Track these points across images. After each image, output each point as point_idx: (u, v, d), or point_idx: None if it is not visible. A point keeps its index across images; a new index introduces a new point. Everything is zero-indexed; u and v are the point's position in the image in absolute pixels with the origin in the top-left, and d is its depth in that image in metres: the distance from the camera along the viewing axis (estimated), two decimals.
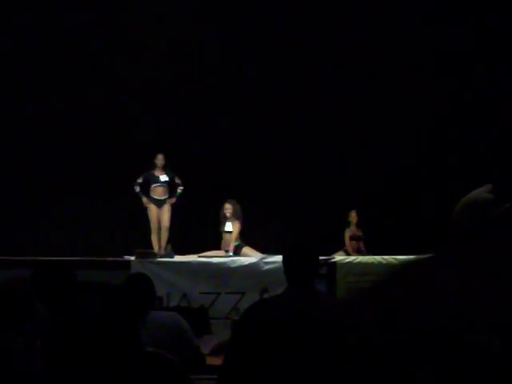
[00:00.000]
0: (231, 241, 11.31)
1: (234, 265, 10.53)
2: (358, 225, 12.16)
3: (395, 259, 10.32)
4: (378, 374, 0.52)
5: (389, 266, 10.24)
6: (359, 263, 10.70)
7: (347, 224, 12.17)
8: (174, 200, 11.77)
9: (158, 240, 11.78)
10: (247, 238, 11.86)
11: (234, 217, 11.31)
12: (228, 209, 11.34)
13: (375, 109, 12.88)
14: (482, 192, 2.37)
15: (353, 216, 12.16)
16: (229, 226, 11.36)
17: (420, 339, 0.53)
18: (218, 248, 11.43)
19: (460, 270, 0.54)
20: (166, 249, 11.40)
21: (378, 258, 10.70)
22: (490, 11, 12.50)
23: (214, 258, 10.94)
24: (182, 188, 11.71)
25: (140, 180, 11.74)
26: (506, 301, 0.52)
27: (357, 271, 10.44)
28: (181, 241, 11.98)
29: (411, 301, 0.55)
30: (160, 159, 11.73)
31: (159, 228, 11.75)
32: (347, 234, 12.11)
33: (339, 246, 11.94)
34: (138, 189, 11.72)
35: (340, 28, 12.96)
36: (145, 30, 12.98)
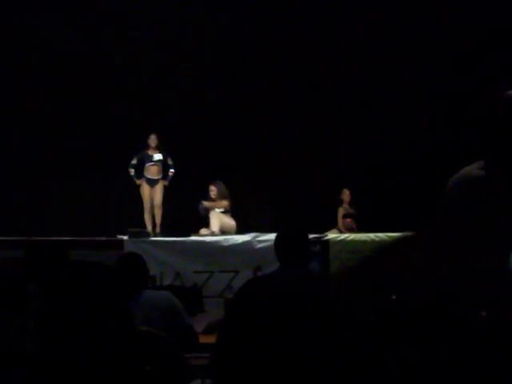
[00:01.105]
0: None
1: (227, 243, 10.53)
2: (350, 203, 12.19)
3: (388, 236, 10.34)
4: (366, 347, 0.52)
5: (381, 243, 10.26)
6: (352, 241, 10.71)
7: (340, 202, 12.19)
8: (166, 182, 11.82)
9: (152, 219, 11.82)
10: (240, 217, 11.87)
11: (220, 198, 11.35)
12: (212, 190, 11.40)
13: (369, 88, 12.85)
14: (473, 169, 2.37)
15: (346, 194, 12.18)
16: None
17: (409, 312, 0.53)
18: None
19: (447, 247, 0.54)
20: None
21: (371, 235, 10.71)
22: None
23: (207, 236, 10.96)
24: (172, 171, 11.76)
25: (134, 161, 11.77)
26: (490, 276, 0.53)
27: (350, 249, 10.45)
28: (172, 221, 11.99)
29: (398, 276, 0.55)
30: (153, 139, 11.75)
31: (152, 207, 11.80)
32: (340, 212, 12.13)
33: (333, 225, 11.97)
34: (132, 172, 11.77)
35: (332, 20, 12.92)
36: (133, 12, 12.91)
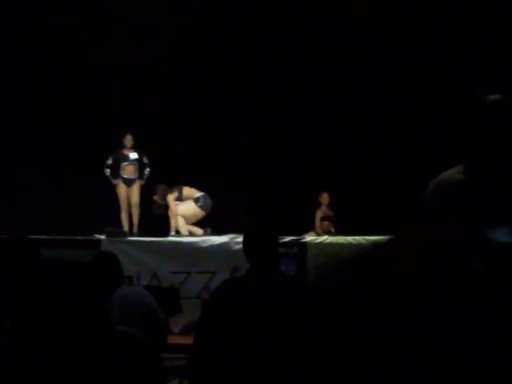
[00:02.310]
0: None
1: (205, 244, 10.52)
2: (329, 206, 12.21)
3: (366, 240, 10.37)
4: (340, 344, 0.52)
5: (359, 246, 10.26)
6: (330, 243, 10.73)
7: (318, 205, 12.21)
8: (142, 182, 11.80)
9: (129, 218, 11.79)
10: (218, 218, 11.85)
11: (165, 197, 11.43)
12: (157, 196, 11.52)
13: (347, 90, 12.88)
14: (452, 173, 2.38)
15: (324, 197, 12.20)
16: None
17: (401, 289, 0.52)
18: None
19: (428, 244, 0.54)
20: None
21: (348, 238, 10.73)
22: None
23: (185, 237, 10.95)
24: (148, 170, 11.74)
25: (109, 161, 11.74)
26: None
27: (328, 251, 10.46)
28: (150, 221, 11.95)
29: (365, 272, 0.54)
30: (128, 139, 11.72)
31: (129, 206, 11.77)
32: (318, 214, 12.15)
33: (310, 227, 11.98)
34: (108, 172, 11.73)
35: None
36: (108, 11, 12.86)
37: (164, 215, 11.49)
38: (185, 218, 11.35)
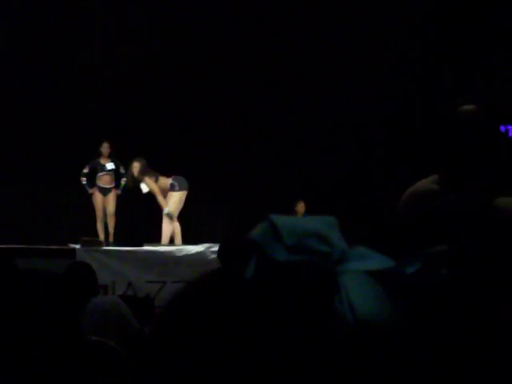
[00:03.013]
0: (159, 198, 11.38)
1: (180, 254, 10.50)
2: (305, 214, 12.22)
3: None
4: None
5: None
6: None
7: (294, 213, 12.21)
8: (119, 191, 11.77)
9: (105, 228, 11.75)
10: (194, 227, 11.83)
11: (143, 175, 11.31)
12: (135, 167, 11.35)
13: (325, 98, 12.92)
14: (427, 183, 2.39)
15: (301, 206, 12.22)
16: (145, 188, 11.40)
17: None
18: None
19: None
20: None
21: None
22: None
23: (160, 246, 10.93)
24: (125, 180, 11.71)
25: (86, 170, 11.70)
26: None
27: None
28: (125, 231, 11.91)
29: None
30: (105, 147, 11.69)
31: (105, 216, 11.73)
32: None
33: None
34: (84, 181, 11.69)
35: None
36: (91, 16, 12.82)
37: (135, 190, 11.46)
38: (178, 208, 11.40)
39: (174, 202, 11.37)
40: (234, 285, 0.60)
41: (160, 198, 11.34)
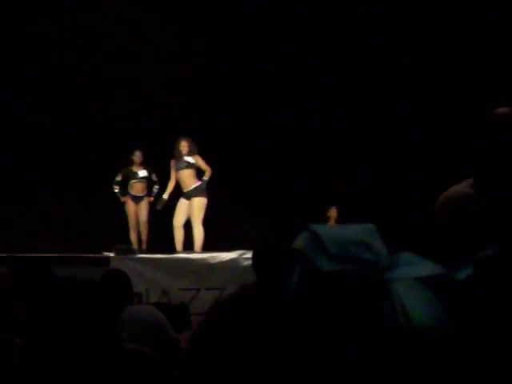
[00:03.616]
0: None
1: (214, 261, 10.52)
2: (337, 221, 12.19)
3: None
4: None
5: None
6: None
7: (327, 219, 12.19)
8: (151, 199, 11.81)
9: (138, 236, 11.80)
10: (227, 234, 11.84)
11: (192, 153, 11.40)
12: (184, 146, 11.34)
13: (360, 102, 12.87)
14: (462, 187, 2.37)
15: (333, 211, 12.19)
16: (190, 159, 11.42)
17: None
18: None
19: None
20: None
21: None
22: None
23: (194, 254, 10.96)
24: (157, 187, 11.75)
25: (119, 178, 11.77)
26: None
27: None
28: (158, 238, 11.96)
29: None
30: (137, 155, 11.75)
31: (138, 224, 11.78)
32: None
33: None
34: (117, 189, 11.75)
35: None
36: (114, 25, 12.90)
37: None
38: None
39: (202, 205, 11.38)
40: (276, 297, 0.60)
41: (185, 182, 11.33)
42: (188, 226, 11.62)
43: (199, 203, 11.37)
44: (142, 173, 11.73)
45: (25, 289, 3.02)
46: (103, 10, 12.84)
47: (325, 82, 12.96)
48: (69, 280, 2.02)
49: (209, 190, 11.78)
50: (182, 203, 11.43)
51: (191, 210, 11.39)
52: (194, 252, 11.17)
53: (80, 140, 12.73)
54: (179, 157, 11.39)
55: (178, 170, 11.38)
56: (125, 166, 11.77)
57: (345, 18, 12.99)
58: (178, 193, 11.64)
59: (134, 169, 11.73)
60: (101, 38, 12.77)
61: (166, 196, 11.62)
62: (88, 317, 1.83)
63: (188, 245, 11.52)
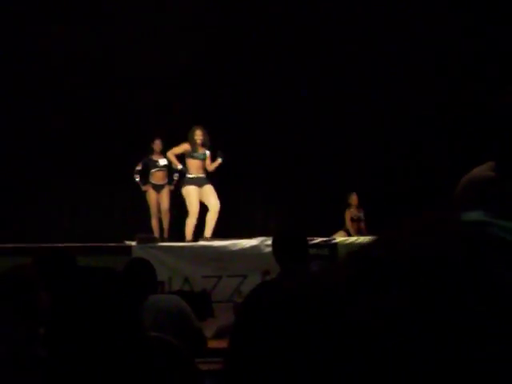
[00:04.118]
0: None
1: (235, 248, 10.54)
2: (358, 206, 12.18)
3: None
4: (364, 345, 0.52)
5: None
6: (361, 243, 10.68)
7: (347, 206, 12.19)
8: (172, 187, 11.82)
9: (159, 224, 11.83)
10: (248, 220, 11.85)
11: (206, 146, 11.39)
12: (199, 135, 11.33)
13: (376, 90, 12.83)
14: (483, 170, 2.36)
15: (353, 198, 12.19)
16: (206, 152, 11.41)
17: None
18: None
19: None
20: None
21: None
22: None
23: (215, 241, 10.96)
24: (177, 175, 11.74)
25: (139, 167, 11.77)
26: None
27: None
28: (180, 226, 11.99)
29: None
30: (157, 144, 11.75)
31: (159, 212, 11.80)
32: (348, 215, 12.14)
33: (339, 227, 11.95)
34: (137, 178, 11.76)
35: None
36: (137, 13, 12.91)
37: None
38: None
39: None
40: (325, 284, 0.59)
41: (197, 169, 11.33)
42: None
43: (211, 188, 11.35)
44: (163, 161, 11.74)
45: (49, 279, 3.04)
46: None
47: (348, 68, 12.92)
48: (92, 269, 2.03)
49: (231, 178, 11.78)
50: (195, 190, 11.31)
51: (205, 193, 11.30)
52: (216, 239, 11.15)
53: (100, 130, 12.78)
54: (194, 145, 11.35)
55: (193, 157, 11.35)
56: (145, 155, 11.79)
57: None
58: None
59: (155, 158, 11.75)
60: (124, 28, 12.79)
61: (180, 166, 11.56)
62: (111, 306, 1.84)
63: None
